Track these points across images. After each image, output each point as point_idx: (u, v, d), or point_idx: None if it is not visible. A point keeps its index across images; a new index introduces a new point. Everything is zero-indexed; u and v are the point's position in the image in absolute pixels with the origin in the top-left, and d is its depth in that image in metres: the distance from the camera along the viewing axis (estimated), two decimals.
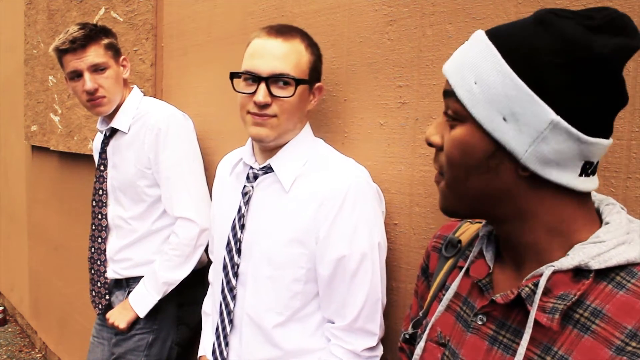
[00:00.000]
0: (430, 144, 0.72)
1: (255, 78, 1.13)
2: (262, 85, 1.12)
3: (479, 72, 0.64)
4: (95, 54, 1.66)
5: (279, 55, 1.13)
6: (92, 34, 1.66)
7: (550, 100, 0.60)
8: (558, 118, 0.60)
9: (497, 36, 0.65)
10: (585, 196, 0.66)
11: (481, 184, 0.67)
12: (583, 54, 0.59)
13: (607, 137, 0.63)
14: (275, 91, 1.13)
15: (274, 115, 1.14)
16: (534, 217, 0.66)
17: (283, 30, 1.16)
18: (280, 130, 1.16)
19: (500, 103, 0.62)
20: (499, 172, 0.65)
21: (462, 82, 0.66)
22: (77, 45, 1.63)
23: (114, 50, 1.74)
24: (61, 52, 1.66)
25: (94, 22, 1.77)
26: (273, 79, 1.12)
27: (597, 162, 0.65)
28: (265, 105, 1.13)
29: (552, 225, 0.66)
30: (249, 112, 1.16)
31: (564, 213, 0.65)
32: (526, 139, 0.62)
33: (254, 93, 1.13)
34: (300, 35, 1.19)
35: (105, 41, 1.70)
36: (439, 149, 0.71)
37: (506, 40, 0.64)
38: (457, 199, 0.71)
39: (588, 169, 0.64)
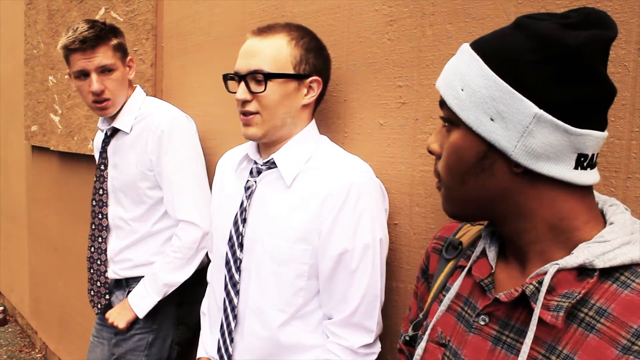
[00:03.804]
0: (431, 152, 0.76)
1: (238, 78, 1.18)
2: (242, 84, 1.17)
3: (465, 79, 0.67)
4: (104, 55, 1.66)
5: (254, 53, 1.17)
6: (102, 34, 1.65)
7: (532, 95, 0.63)
8: (541, 111, 0.62)
9: (479, 45, 0.69)
10: (585, 192, 0.67)
11: (478, 186, 0.69)
12: (556, 48, 0.62)
13: (600, 129, 0.64)
14: (253, 87, 1.16)
15: (256, 112, 1.17)
16: (534, 215, 0.67)
17: (265, 29, 1.20)
18: (268, 127, 1.18)
19: (486, 104, 0.65)
20: (493, 172, 0.67)
21: (450, 90, 0.69)
22: (87, 45, 1.62)
23: (122, 51, 1.73)
24: (69, 51, 1.65)
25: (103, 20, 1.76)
26: (251, 76, 1.16)
27: (595, 155, 0.66)
28: (245, 103, 1.17)
29: (552, 223, 0.66)
30: (240, 113, 1.19)
31: (563, 209, 0.66)
32: (513, 135, 0.64)
33: None
34: (285, 31, 1.19)
35: (114, 42, 1.69)
36: (438, 157, 0.75)
37: (487, 46, 0.67)
38: (459, 203, 0.73)
39: (583, 161, 0.64)
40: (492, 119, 0.65)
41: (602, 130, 0.65)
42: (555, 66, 0.62)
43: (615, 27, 0.64)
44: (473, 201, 0.71)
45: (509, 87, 0.63)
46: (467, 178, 0.69)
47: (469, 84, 0.67)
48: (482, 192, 0.69)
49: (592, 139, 0.63)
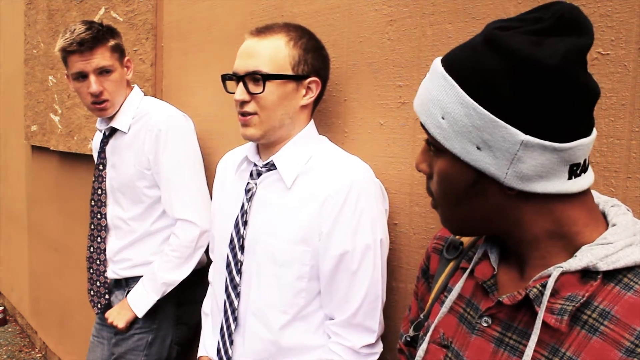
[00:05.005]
0: (420, 171, 0.76)
1: (236, 78, 1.18)
2: (240, 84, 1.17)
3: (444, 107, 0.65)
4: (102, 56, 1.66)
5: (252, 53, 1.16)
6: (100, 35, 1.65)
7: (515, 121, 0.61)
8: (527, 137, 0.60)
9: (451, 65, 0.66)
10: (582, 196, 0.66)
11: (473, 208, 0.69)
12: (533, 69, 0.59)
13: (588, 135, 0.63)
14: (252, 88, 1.16)
15: (254, 113, 1.17)
16: (533, 226, 0.67)
17: (263, 29, 1.19)
18: (266, 127, 1.18)
19: (470, 134, 0.63)
20: (487, 195, 0.67)
21: (431, 119, 0.67)
22: (85, 47, 1.62)
23: (120, 52, 1.74)
24: (67, 53, 1.65)
25: (99, 21, 1.76)
26: (249, 77, 1.16)
27: (587, 160, 0.65)
28: (243, 103, 1.17)
29: (552, 231, 0.66)
30: (238, 114, 1.19)
31: (562, 217, 0.65)
32: (503, 163, 0.62)
33: None
34: (284, 31, 1.18)
35: (112, 43, 1.69)
36: (429, 176, 0.74)
37: (460, 68, 0.64)
38: (456, 222, 0.73)
39: (576, 170, 0.63)
40: (478, 148, 0.63)
41: (590, 133, 0.63)
42: (535, 88, 0.59)
43: (590, 30, 0.61)
44: (470, 220, 0.71)
45: (491, 115, 0.61)
46: (461, 201, 0.69)
47: (449, 112, 0.64)
48: (478, 212, 0.69)
49: (582, 148, 0.62)
